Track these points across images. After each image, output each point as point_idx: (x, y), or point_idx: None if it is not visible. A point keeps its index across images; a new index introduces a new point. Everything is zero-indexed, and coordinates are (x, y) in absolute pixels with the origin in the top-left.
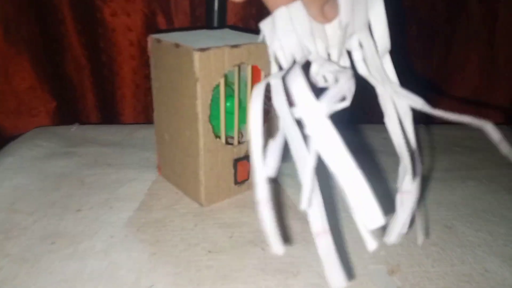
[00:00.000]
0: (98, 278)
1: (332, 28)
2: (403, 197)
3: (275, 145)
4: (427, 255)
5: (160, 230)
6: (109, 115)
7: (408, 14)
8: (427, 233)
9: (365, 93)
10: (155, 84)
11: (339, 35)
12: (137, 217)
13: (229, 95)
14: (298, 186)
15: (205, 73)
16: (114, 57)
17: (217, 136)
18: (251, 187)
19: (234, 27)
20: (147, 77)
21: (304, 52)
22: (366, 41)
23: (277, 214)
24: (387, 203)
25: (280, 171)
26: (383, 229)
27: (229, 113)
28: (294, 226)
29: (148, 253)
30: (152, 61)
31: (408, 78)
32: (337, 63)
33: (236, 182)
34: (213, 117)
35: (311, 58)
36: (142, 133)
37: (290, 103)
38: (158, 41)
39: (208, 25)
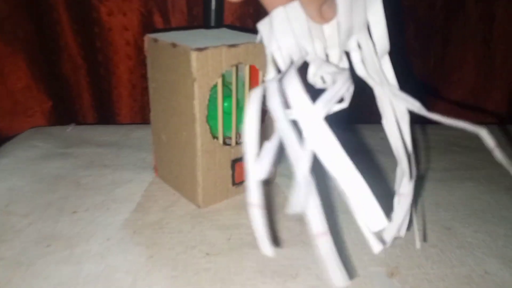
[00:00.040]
0: (94, 281)
1: (330, 29)
2: (400, 199)
3: (270, 147)
4: (426, 257)
5: (157, 232)
6: (106, 115)
7: (406, 13)
8: (425, 236)
9: (362, 93)
10: (152, 84)
11: (338, 36)
12: (133, 219)
13: (226, 95)
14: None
15: (203, 73)
16: (111, 56)
17: (215, 136)
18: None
19: (231, 27)
20: (144, 77)
21: (302, 53)
22: (364, 42)
23: (274, 215)
24: (386, 204)
25: (278, 172)
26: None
27: (226, 113)
28: (292, 227)
29: (145, 256)
30: (148, 61)
31: (406, 79)
32: (335, 64)
33: (234, 183)
34: (210, 118)
35: (308, 59)
36: (139, 133)
37: (287, 104)
38: (155, 40)
39: (206, 24)
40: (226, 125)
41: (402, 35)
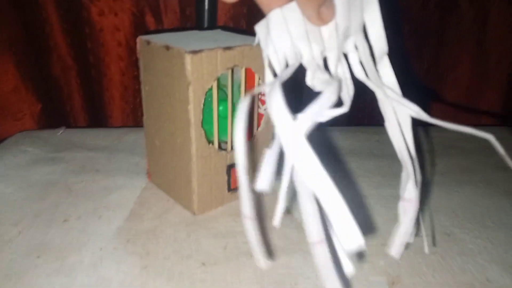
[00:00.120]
0: None
1: (328, 31)
2: (405, 206)
3: (271, 155)
4: (427, 265)
5: (151, 241)
6: (97, 117)
7: (400, 14)
8: (433, 241)
9: (356, 96)
10: (144, 87)
11: (336, 38)
12: (127, 227)
13: (222, 99)
14: (293, 192)
15: (197, 76)
16: (102, 57)
17: (210, 141)
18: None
19: (226, 28)
20: (136, 78)
21: (298, 57)
22: (361, 44)
23: (271, 222)
24: (385, 208)
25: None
26: (384, 238)
27: (222, 117)
28: (290, 234)
29: (139, 266)
30: (141, 64)
31: (405, 80)
32: (331, 70)
33: (230, 189)
34: (205, 122)
35: (304, 63)
36: (131, 136)
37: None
38: (148, 42)
39: (199, 25)
40: (222, 130)
41: (399, 35)
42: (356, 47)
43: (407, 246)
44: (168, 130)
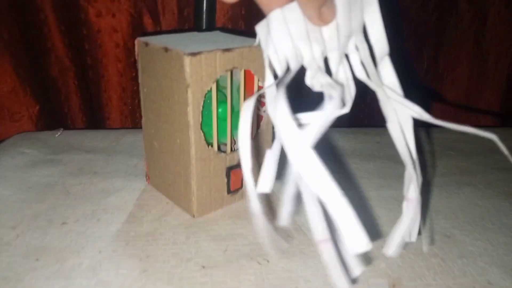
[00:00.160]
0: None
1: (329, 31)
2: (409, 205)
3: (271, 156)
4: (428, 267)
5: (151, 244)
6: (95, 119)
7: (400, 14)
8: (432, 241)
9: (358, 96)
10: (143, 89)
11: (337, 38)
12: (126, 230)
13: (221, 101)
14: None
15: (196, 79)
16: (100, 59)
17: (209, 143)
18: (244, 196)
19: (224, 30)
20: (134, 79)
21: (298, 58)
22: (361, 44)
23: (271, 224)
24: (386, 210)
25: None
26: (385, 240)
27: (221, 119)
28: (290, 236)
29: (138, 269)
30: (139, 65)
31: (406, 80)
32: (333, 72)
33: (229, 191)
34: (204, 124)
35: (305, 64)
36: (129, 138)
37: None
38: (146, 44)
39: (197, 26)
40: (221, 132)
41: (399, 36)
42: (357, 48)
43: (407, 246)
44: (167, 132)
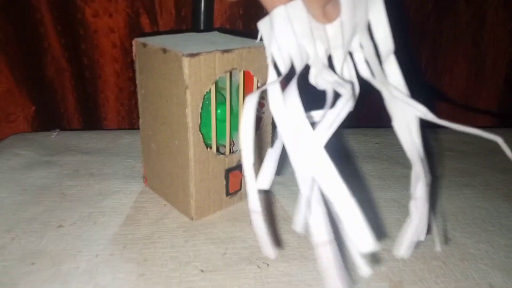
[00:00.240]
0: None
1: (333, 29)
2: (417, 204)
3: (273, 154)
4: (429, 270)
5: (148, 247)
6: (92, 119)
7: (399, 15)
8: (445, 240)
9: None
10: (140, 91)
11: (341, 36)
12: (123, 233)
13: (219, 102)
14: (292, 195)
15: (195, 80)
16: (96, 59)
17: (208, 145)
18: (243, 198)
19: (223, 30)
20: (131, 80)
21: (303, 56)
22: (366, 42)
23: (271, 227)
24: (385, 212)
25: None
26: (386, 243)
27: (220, 121)
28: (290, 240)
29: (135, 273)
30: (137, 66)
31: (410, 79)
32: (338, 72)
33: (228, 194)
34: (203, 125)
35: (309, 62)
36: (126, 139)
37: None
38: (144, 45)
39: (194, 26)
40: (220, 133)
41: (404, 33)
42: (361, 46)
43: (418, 245)
44: (165, 134)
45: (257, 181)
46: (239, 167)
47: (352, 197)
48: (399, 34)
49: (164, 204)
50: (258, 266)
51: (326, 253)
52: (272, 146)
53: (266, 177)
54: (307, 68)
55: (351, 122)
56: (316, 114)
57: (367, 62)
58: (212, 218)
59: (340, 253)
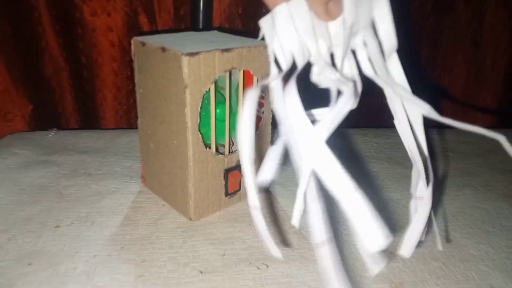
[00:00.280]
0: None
1: (335, 27)
2: (418, 204)
3: (275, 151)
4: (430, 272)
5: (147, 248)
6: (89, 119)
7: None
8: (447, 239)
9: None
10: (139, 90)
11: (343, 34)
12: (121, 233)
13: (219, 102)
14: (292, 196)
15: (195, 79)
16: (94, 58)
17: (207, 145)
18: (242, 199)
19: (222, 29)
20: (129, 79)
21: (305, 53)
22: (370, 40)
23: (271, 227)
24: (385, 213)
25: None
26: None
27: (219, 120)
28: (289, 240)
29: (134, 274)
30: (136, 65)
31: (414, 77)
32: (339, 70)
33: (227, 194)
34: (202, 125)
35: (312, 59)
36: (124, 139)
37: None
38: (143, 44)
39: (193, 25)
40: (219, 133)
41: (408, 30)
42: (365, 44)
43: (418, 245)
44: (164, 134)
45: (257, 176)
46: (238, 167)
47: (358, 190)
48: (402, 33)
49: (163, 204)
50: (257, 267)
51: (327, 254)
52: (273, 144)
53: (266, 172)
54: (308, 67)
55: (350, 122)
56: (317, 112)
57: (370, 60)
58: (211, 219)
59: (340, 254)
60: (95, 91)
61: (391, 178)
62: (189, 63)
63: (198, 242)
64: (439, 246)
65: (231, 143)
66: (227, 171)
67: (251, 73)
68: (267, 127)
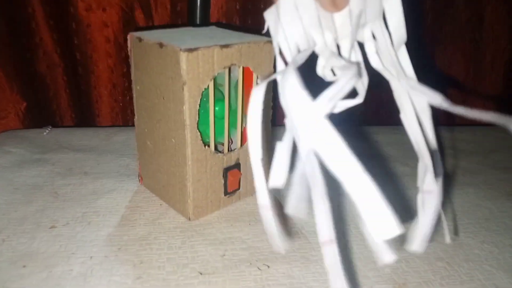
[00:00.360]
0: None
1: (341, 18)
2: (425, 198)
3: (283, 148)
4: (434, 272)
5: (145, 248)
6: (85, 116)
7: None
8: (456, 230)
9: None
10: (136, 87)
11: (350, 26)
12: (118, 233)
13: (218, 99)
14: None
15: (193, 76)
16: (90, 54)
17: (206, 143)
18: (242, 198)
19: (220, 25)
20: (125, 76)
21: (310, 44)
22: (379, 32)
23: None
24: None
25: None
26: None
27: (218, 118)
28: (291, 241)
29: (132, 276)
30: (132, 62)
31: (423, 69)
32: (345, 57)
33: (226, 193)
34: (201, 123)
35: (317, 50)
36: (121, 136)
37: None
38: (140, 39)
39: (190, 21)
40: (218, 131)
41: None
42: (373, 36)
43: (410, 252)
44: (162, 132)
45: (270, 179)
46: (237, 165)
47: (366, 173)
48: (411, 28)
49: (161, 204)
50: (258, 268)
51: (332, 252)
52: (280, 140)
53: (279, 173)
54: (314, 62)
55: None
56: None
57: (378, 53)
58: (210, 218)
59: (342, 253)
60: (90, 88)
61: (392, 176)
62: (188, 59)
63: (197, 242)
64: (447, 239)
65: (230, 141)
66: (226, 170)
67: (251, 69)
68: (267, 124)
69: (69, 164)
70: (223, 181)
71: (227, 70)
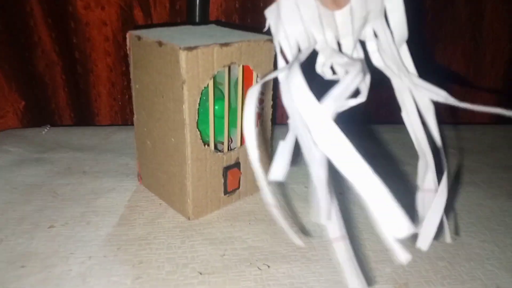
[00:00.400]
0: None
1: (342, 16)
2: (425, 196)
3: (285, 146)
4: (435, 272)
5: (144, 248)
6: (84, 115)
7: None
8: (457, 230)
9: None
10: (135, 85)
11: (351, 24)
12: (117, 233)
13: (217, 98)
14: (292, 194)
15: (193, 75)
16: (88, 53)
17: (205, 142)
18: (242, 197)
19: (220, 23)
20: (124, 74)
21: (311, 42)
22: (381, 30)
23: (273, 227)
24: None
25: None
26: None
27: (218, 117)
28: (291, 241)
29: (131, 276)
30: (131, 60)
31: (426, 66)
32: (348, 55)
33: (226, 192)
34: (200, 122)
35: (318, 48)
36: (120, 135)
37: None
38: (139, 38)
39: (189, 19)
40: (218, 130)
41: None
42: (375, 34)
43: (411, 250)
44: (161, 131)
45: (270, 173)
46: (237, 165)
47: (374, 173)
48: (412, 26)
49: (160, 203)
50: (258, 268)
51: (343, 248)
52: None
53: (279, 168)
54: (313, 60)
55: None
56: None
57: (380, 51)
58: (210, 218)
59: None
60: (89, 87)
61: (392, 176)
62: (187, 57)
63: (197, 242)
64: (448, 239)
65: (230, 140)
66: (226, 169)
67: (251, 68)
68: (267, 123)
69: (68, 163)
70: (223, 181)
71: (227, 69)
